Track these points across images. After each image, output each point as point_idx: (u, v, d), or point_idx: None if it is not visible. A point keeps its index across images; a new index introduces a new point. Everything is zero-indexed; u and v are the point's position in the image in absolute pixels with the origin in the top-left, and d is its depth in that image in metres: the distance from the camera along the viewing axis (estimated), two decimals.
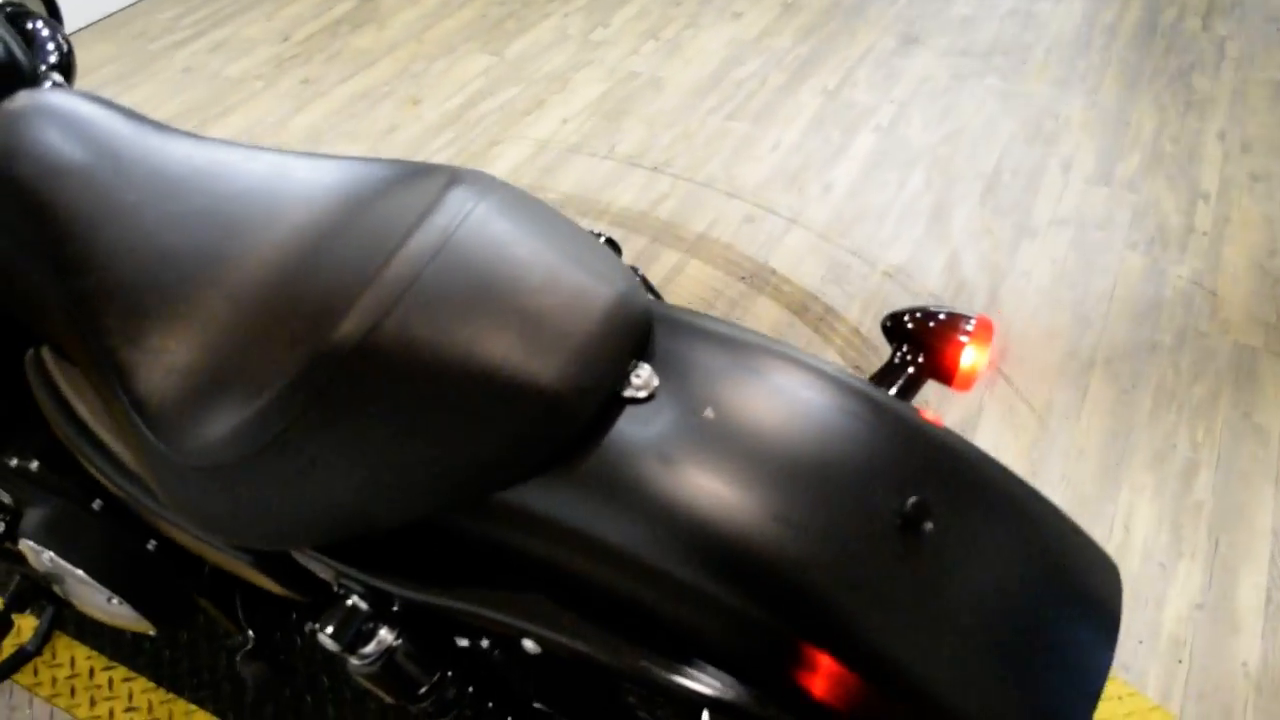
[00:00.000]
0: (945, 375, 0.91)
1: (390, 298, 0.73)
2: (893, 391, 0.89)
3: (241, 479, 0.74)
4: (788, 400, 0.76)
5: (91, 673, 1.44)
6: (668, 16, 3.02)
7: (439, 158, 2.52)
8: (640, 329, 0.79)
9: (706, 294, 2.04)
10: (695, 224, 2.24)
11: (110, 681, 1.44)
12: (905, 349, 0.92)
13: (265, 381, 0.74)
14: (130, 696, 1.41)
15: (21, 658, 1.45)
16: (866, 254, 2.14)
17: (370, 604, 0.82)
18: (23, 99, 0.92)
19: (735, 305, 2.01)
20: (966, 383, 0.91)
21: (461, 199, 0.80)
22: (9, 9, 1.35)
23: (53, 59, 1.19)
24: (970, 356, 0.90)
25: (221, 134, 2.65)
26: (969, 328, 0.90)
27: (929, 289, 2.04)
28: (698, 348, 0.80)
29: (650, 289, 0.98)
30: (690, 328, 0.82)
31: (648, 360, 0.79)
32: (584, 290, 0.77)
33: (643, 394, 0.76)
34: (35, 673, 1.45)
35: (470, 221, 0.79)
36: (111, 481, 0.90)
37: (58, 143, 0.89)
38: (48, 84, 1.12)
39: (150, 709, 1.39)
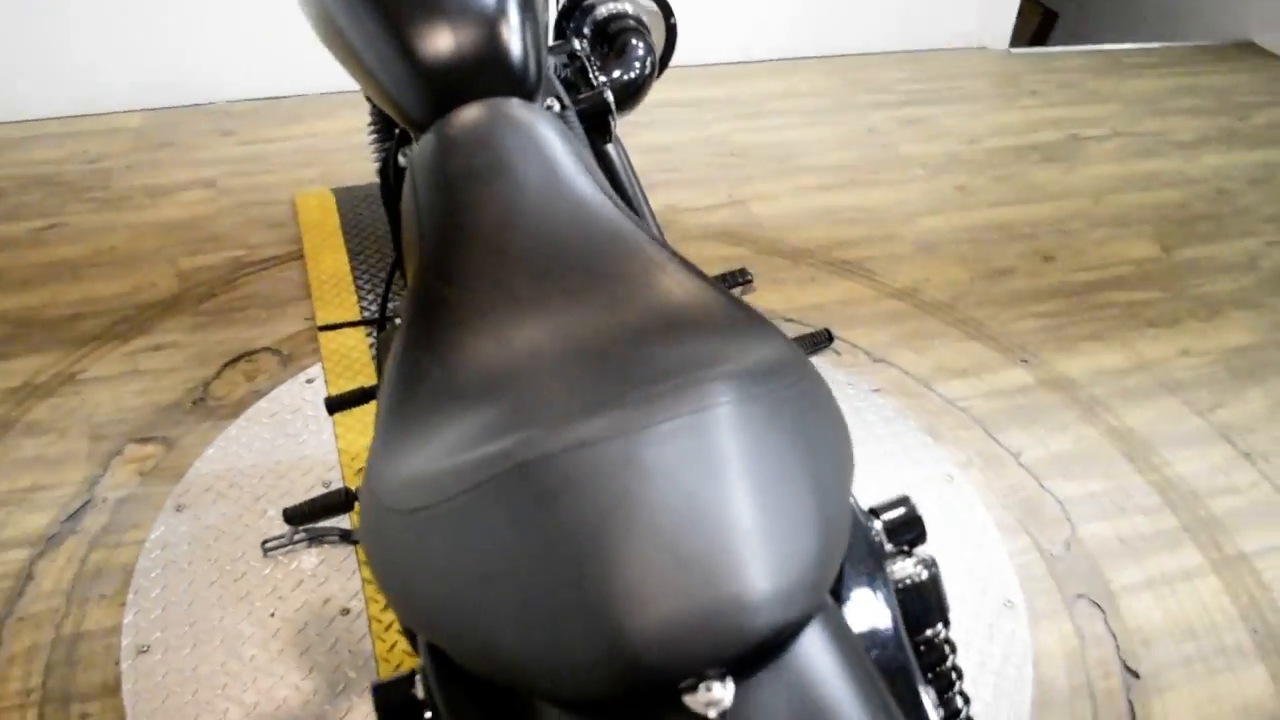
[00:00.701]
0: None
1: (618, 428, 0.65)
2: None
3: (404, 528, 0.72)
4: None
5: None
6: None
7: (1026, 324, 2.30)
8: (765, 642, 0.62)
9: None
10: None
11: None
12: None
13: (478, 440, 0.71)
14: None
15: None
16: None
17: None
18: (485, 105, 0.99)
19: None
20: None
21: (755, 379, 0.69)
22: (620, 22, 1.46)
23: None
24: None
25: (855, 197, 2.68)
26: None
27: None
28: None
29: None
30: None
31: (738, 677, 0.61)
32: (736, 564, 0.61)
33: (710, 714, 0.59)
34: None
35: (748, 409, 0.67)
36: None
37: (491, 146, 0.94)
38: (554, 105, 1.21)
39: None
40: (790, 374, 0.71)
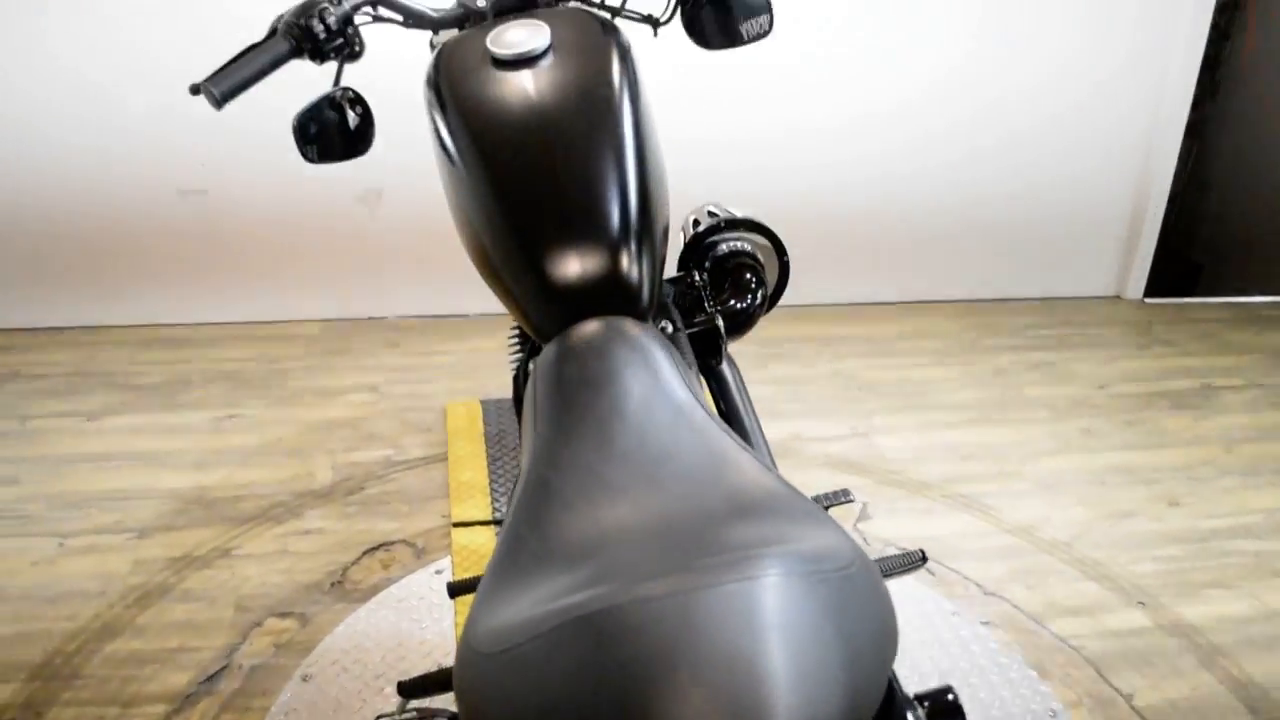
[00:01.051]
0: None
1: (673, 589, 0.76)
2: None
3: (488, 667, 0.83)
4: None
5: None
6: None
7: (1145, 566, 2.28)
8: None
9: None
10: None
11: None
12: None
13: (558, 596, 0.82)
14: None
15: None
16: None
17: None
18: (602, 322, 1.15)
19: None
20: None
21: (803, 560, 0.78)
22: None
23: None
24: None
25: (978, 435, 2.74)
26: None
27: None
28: None
29: None
30: None
31: None
32: None
33: None
34: None
35: (793, 583, 0.76)
36: None
37: (604, 357, 1.09)
38: None
39: None
40: (838, 560, 0.80)
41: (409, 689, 1.29)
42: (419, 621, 1.96)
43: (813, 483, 2.48)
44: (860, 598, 0.81)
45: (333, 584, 2.12)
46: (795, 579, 0.77)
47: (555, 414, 1.04)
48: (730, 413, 1.61)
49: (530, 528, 0.92)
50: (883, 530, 2.36)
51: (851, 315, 3.46)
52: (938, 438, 2.76)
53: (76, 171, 2.99)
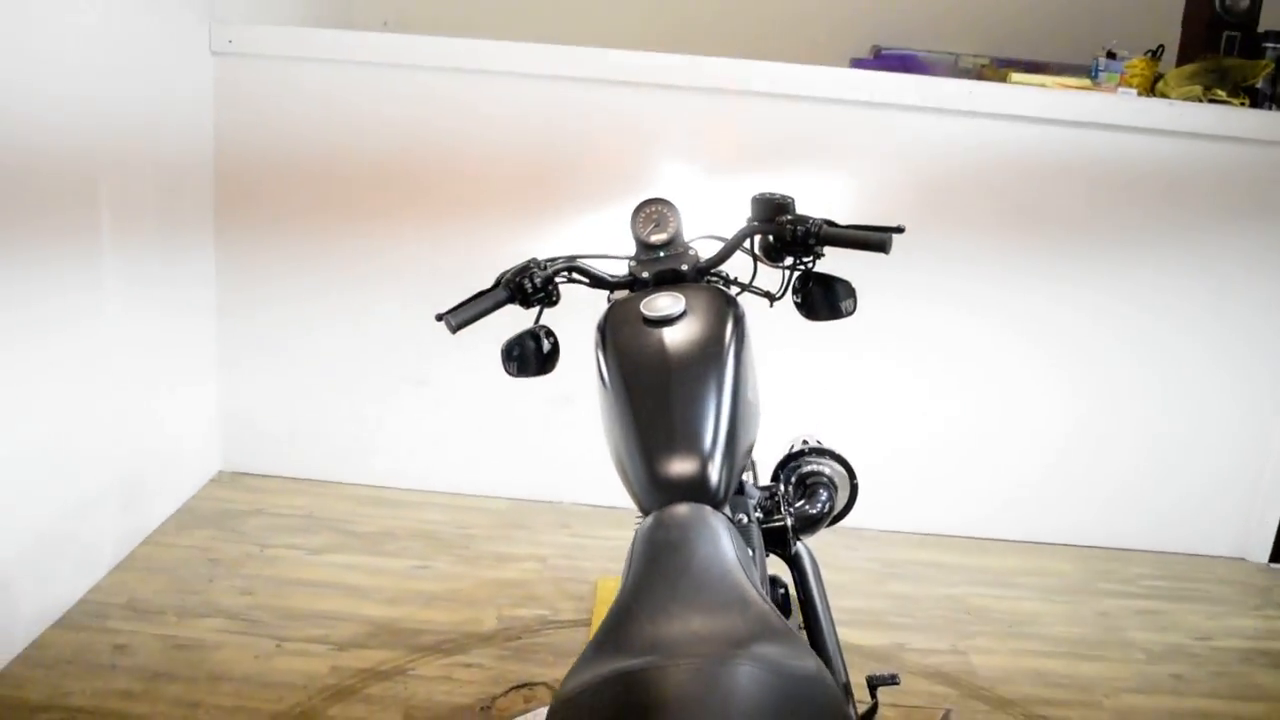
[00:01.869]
0: None
1: (670, 665, 1.22)
2: None
3: (558, 705, 1.27)
4: None
5: None
6: None
7: None
8: None
9: None
10: None
11: None
12: None
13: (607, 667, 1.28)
14: None
15: None
16: None
17: None
18: (688, 506, 1.62)
19: None
20: None
21: (769, 665, 1.21)
22: None
23: None
24: None
25: (1070, 666, 2.98)
26: None
27: None
28: None
29: None
30: None
31: None
32: None
33: None
34: None
35: (752, 671, 1.19)
36: None
37: (684, 530, 1.58)
38: None
39: None
40: (803, 670, 1.23)
41: None
42: None
43: (906, 688, 2.79)
44: (812, 697, 1.23)
45: (482, 708, 2.59)
46: (761, 673, 1.20)
47: (644, 564, 1.51)
48: (805, 596, 2.03)
49: (611, 633, 1.38)
50: None
51: (975, 547, 3.77)
52: (1030, 664, 3.03)
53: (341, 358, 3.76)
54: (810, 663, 1.26)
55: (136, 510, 3.30)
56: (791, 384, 3.50)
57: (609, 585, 3.21)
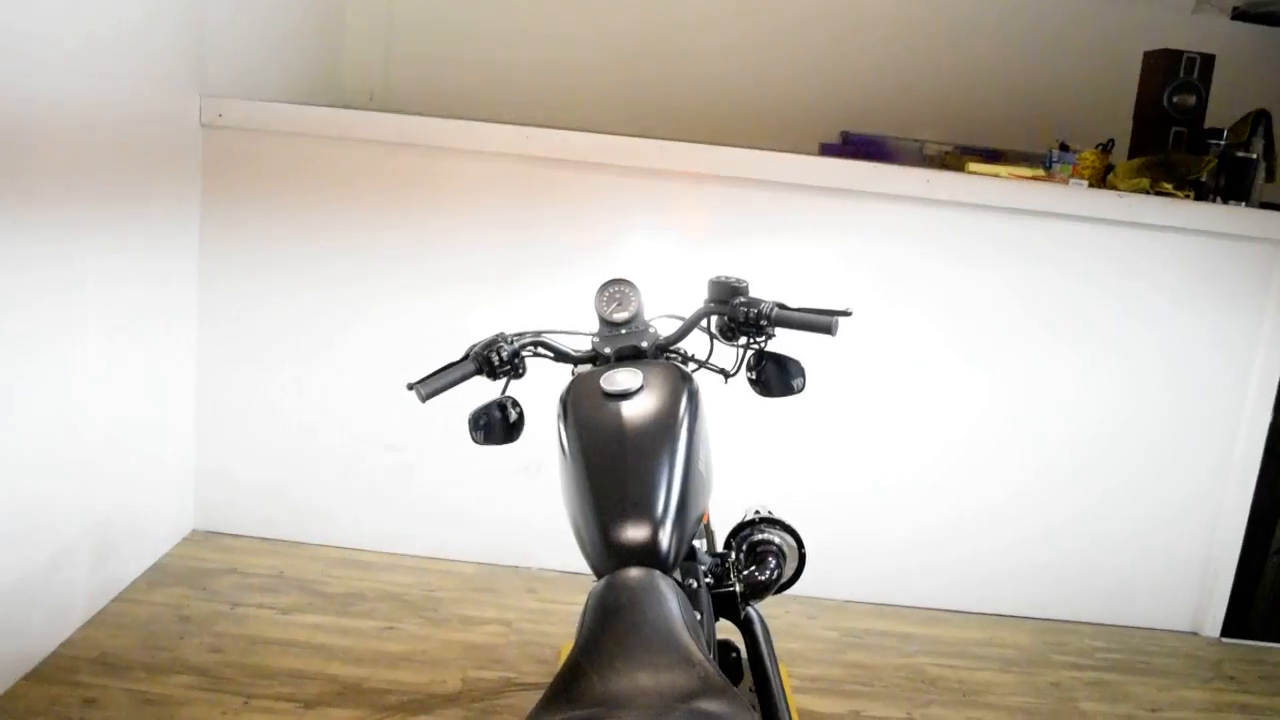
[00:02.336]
0: None
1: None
2: None
3: None
4: None
5: None
6: None
7: None
8: None
9: None
10: None
11: None
12: None
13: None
14: None
15: None
16: None
17: None
18: (640, 571, 1.72)
19: None
20: None
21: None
22: None
23: None
24: None
25: None
26: None
27: None
28: None
29: None
30: None
31: None
32: None
33: None
34: None
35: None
36: None
37: (634, 593, 1.67)
38: None
39: None
40: (726, 714, 1.32)
41: None
42: None
43: None
44: None
45: None
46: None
47: (595, 624, 1.60)
48: (755, 659, 2.12)
49: (561, 688, 1.46)
50: None
51: (933, 619, 3.85)
52: None
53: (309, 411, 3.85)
54: (749, 718, 1.36)
55: (109, 567, 3.36)
56: (747, 457, 3.60)
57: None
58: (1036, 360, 3.81)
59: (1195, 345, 3.81)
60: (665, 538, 1.77)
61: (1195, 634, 3.97)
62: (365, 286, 3.76)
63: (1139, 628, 3.97)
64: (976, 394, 3.83)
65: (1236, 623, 4.13)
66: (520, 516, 3.87)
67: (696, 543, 2.04)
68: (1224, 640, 3.95)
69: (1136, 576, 3.97)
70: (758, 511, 2.23)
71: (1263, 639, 4.15)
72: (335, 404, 3.86)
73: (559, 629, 3.46)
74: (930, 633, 3.74)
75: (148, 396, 3.52)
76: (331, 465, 3.89)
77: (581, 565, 4.03)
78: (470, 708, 2.94)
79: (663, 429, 1.91)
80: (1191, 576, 3.98)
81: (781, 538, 2.16)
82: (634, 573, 1.71)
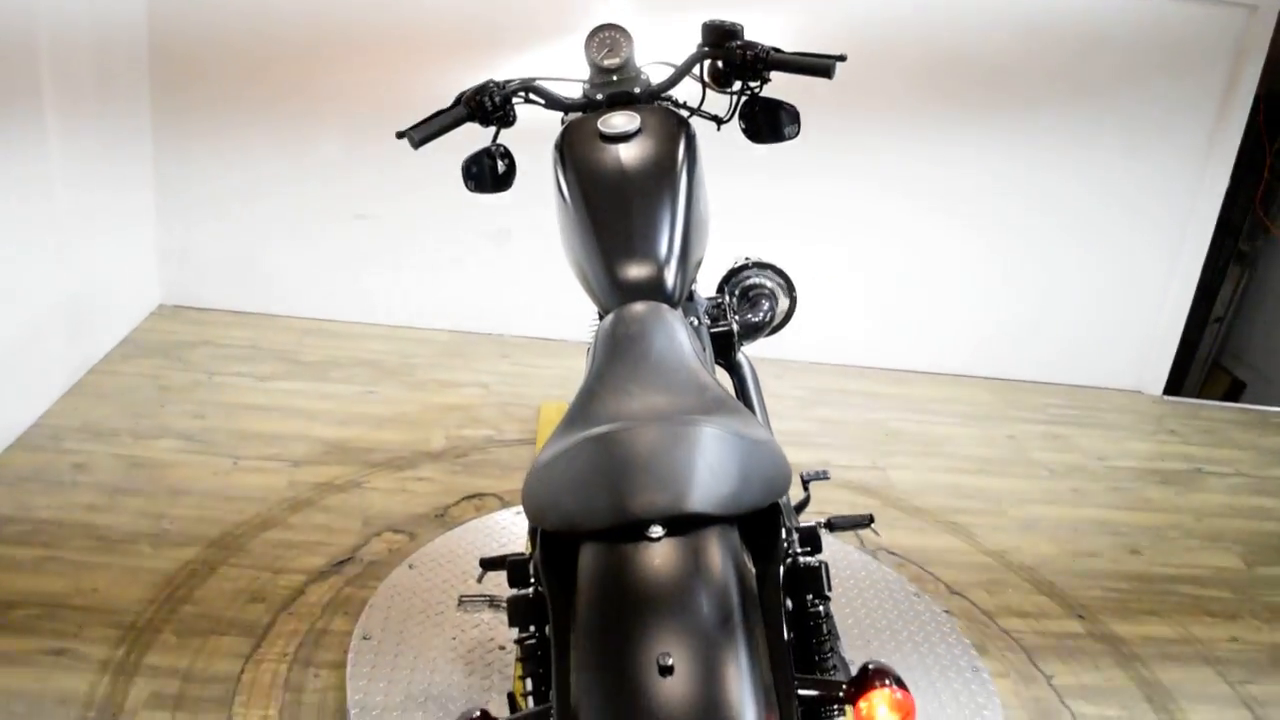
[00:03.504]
0: None
1: (637, 425, 1.35)
2: None
3: (538, 472, 1.39)
4: None
5: None
6: None
7: (1094, 592, 2.75)
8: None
9: None
10: None
11: None
12: None
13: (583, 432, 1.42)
14: None
15: None
16: None
17: None
18: (645, 305, 1.74)
19: None
20: None
21: (718, 425, 1.35)
22: None
23: None
24: None
25: (979, 481, 3.22)
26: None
27: None
28: None
29: None
30: None
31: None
32: None
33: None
34: None
35: (707, 429, 1.34)
36: None
37: (643, 324, 1.69)
38: None
39: None
40: (755, 437, 1.37)
41: (489, 563, 1.87)
42: (499, 539, 2.57)
43: (828, 498, 3.01)
44: (763, 458, 1.38)
45: (436, 515, 2.75)
46: (720, 432, 1.34)
47: (606, 354, 1.64)
48: (744, 402, 2.19)
49: (579, 410, 1.50)
50: (878, 538, 2.88)
51: (895, 379, 3.99)
52: (943, 479, 3.27)
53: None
54: (765, 433, 1.41)
55: (81, 341, 3.34)
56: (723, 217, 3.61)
57: (551, 408, 3.36)
58: (1004, 131, 3.82)
59: (1155, 115, 3.83)
60: (671, 273, 1.79)
61: (1140, 392, 4.16)
62: (331, 53, 3.62)
63: (1089, 387, 4.15)
64: (945, 166, 3.85)
65: (1177, 383, 4.33)
66: (493, 284, 3.88)
67: (694, 288, 2.07)
68: (1166, 398, 4.15)
69: (1089, 340, 4.12)
70: (748, 257, 2.25)
71: (1200, 398, 4.37)
72: (302, 172, 3.77)
73: (536, 390, 3.53)
74: (894, 391, 3.88)
75: (107, 171, 3.42)
76: (298, 238, 3.84)
77: (556, 331, 4.11)
78: (455, 463, 3.03)
79: (663, 170, 1.90)
80: (1139, 341, 4.13)
81: (774, 280, 2.20)
82: (641, 306, 1.73)
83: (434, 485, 2.90)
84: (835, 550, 2.74)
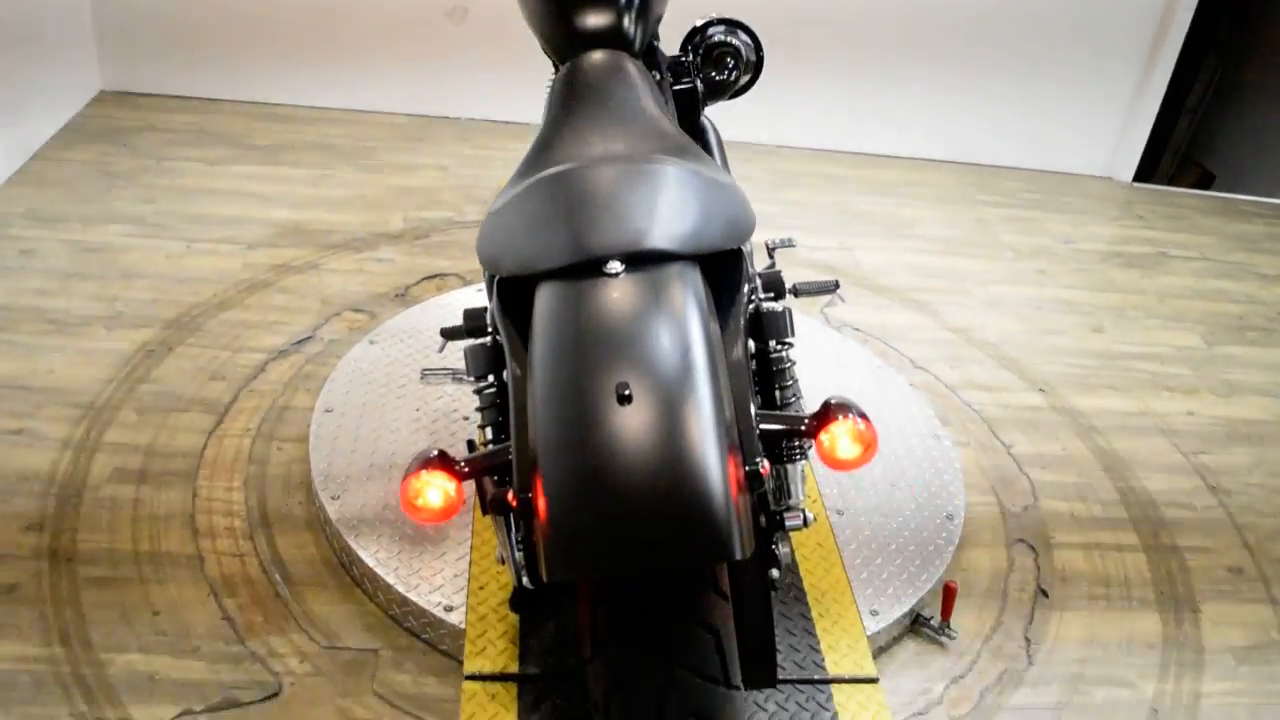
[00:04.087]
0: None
1: (594, 164, 1.29)
2: None
3: (494, 217, 1.35)
4: None
5: None
6: None
7: (1055, 368, 2.77)
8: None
9: None
10: None
11: None
12: None
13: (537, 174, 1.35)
14: None
15: None
16: None
17: None
18: (605, 53, 1.65)
19: None
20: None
21: (679, 164, 1.30)
22: None
23: None
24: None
25: (945, 262, 3.20)
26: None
27: None
28: None
29: None
30: None
31: None
32: None
33: None
34: None
35: (668, 168, 1.28)
36: None
37: (602, 73, 1.61)
38: None
39: None
40: (718, 179, 1.31)
41: (449, 332, 1.83)
42: (458, 314, 2.53)
43: (797, 275, 2.97)
44: (726, 199, 1.33)
45: (397, 295, 2.70)
46: (682, 172, 1.29)
47: (562, 104, 1.55)
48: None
49: (534, 158, 1.43)
50: (844, 315, 2.87)
51: (863, 162, 3.92)
52: (909, 259, 3.25)
53: None
54: (727, 178, 1.35)
55: (18, 128, 3.18)
56: None
57: None
58: None
59: None
60: (629, 20, 1.70)
61: (1110, 179, 4.12)
62: None
63: (1058, 172, 4.09)
64: None
65: (1147, 175, 4.28)
66: (451, 66, 3.72)
67: (657, 44, 1.97)
68: (1135, 185, 4.11)
69: (1059, 125, 4.03)
70: (715, 14, 2.14)
71: (1169, 184, 4.33)
72: None
73: (495, 172, 3.44)
74: (863, 175, 3.81)
75: None
76: (245, 19, 3.64)
77: (515, 114, 3.97)
78: (415, 244, 2.96)
79: None
80: (1110, 126, 4.05)
81: (741, 40, 2.10)
82: (599, 55, 1.64)
83: (394, 266, 2.84)
84: (801, 325, 2.72)
